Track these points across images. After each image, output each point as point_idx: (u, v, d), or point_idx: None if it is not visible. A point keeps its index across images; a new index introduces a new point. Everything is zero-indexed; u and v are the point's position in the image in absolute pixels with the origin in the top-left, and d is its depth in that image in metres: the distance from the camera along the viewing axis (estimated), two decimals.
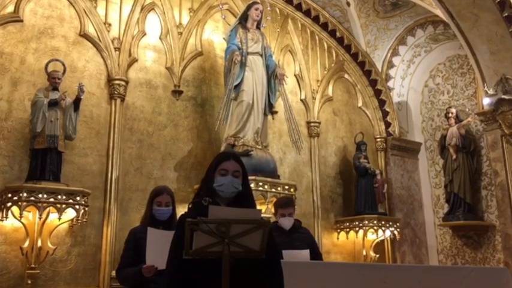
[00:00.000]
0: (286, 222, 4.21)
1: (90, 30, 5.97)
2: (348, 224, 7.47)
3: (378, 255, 7.41)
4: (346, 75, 8.42)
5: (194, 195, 2.35)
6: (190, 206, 2.37)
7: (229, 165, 2.36)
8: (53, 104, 5.11)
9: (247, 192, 2.41)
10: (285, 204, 4.33)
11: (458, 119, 8.05)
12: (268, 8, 7.19)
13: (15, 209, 4.80)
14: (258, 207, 3.69)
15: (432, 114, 8.95)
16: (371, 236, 7.43)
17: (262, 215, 2.38)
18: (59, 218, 4.93)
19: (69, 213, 5.03)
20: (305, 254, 3.96)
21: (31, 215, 4.93)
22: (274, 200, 6.07)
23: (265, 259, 2.15)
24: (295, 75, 7.74)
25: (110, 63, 5.98)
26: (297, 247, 4.02)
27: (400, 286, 3.58)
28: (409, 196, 8.48)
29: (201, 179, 2.48)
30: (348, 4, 8.19)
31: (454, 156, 7.87)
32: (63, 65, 5.42)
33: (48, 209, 4.87)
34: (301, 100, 7.72)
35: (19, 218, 4.80)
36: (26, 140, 5.19)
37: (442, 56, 8.87)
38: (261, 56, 6.46)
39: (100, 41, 6.00)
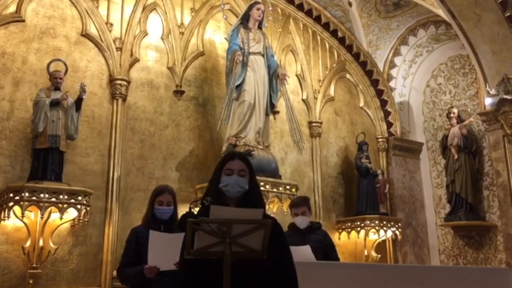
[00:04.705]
0: (300, 221, 4.22)
1: (92, 30, 5.98)
2: (349, 224, 7.47)
3: (379, 256, 7.40)
4: (347, 75, 8.41)
5: (202, 196, 2.34)
6: (191, 206, 2.36)
7: (235, 165, 2.35)
8: (55, 103, 5.12)
9: (255, 191, 2.38)
10: (296, 203, 4.36)
11: (460, 119, 8.03)
12: (270, 8, 7.19)
13: (17, 208, 4.80)
14: None
15: (434, 114, 8.94)
16: (372, 236, 7.42)
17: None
18: (61, 218, 4.94)
19: (71, 213, 5.04)
20: (306, 250, 3.94)
21: (33, 215, 4.94)
22: (276, 200, 6.11)
23: (271, 260, 2.13)
24: (296, 75, 7.73)
25: (111, 63, 5.98)
26: (311, 248, 3.99)
27: (401, 286, 3.58)
28: (411, 196, 8.47)
29: (209, 179, 2.46)
30: (350, 4, 8.18)
31: (456, 157, 7.86)
32: (65, 65, 5.43)
33: (49, 208, 4.88)
34: (302, 100, 7.71)
35: (21, 218, 4.81)
36: (28, 139, 5.19)
37: (443, 56, 8.86)
38: (263, 56, 6.45)
39: (102, 41, 6.00)
